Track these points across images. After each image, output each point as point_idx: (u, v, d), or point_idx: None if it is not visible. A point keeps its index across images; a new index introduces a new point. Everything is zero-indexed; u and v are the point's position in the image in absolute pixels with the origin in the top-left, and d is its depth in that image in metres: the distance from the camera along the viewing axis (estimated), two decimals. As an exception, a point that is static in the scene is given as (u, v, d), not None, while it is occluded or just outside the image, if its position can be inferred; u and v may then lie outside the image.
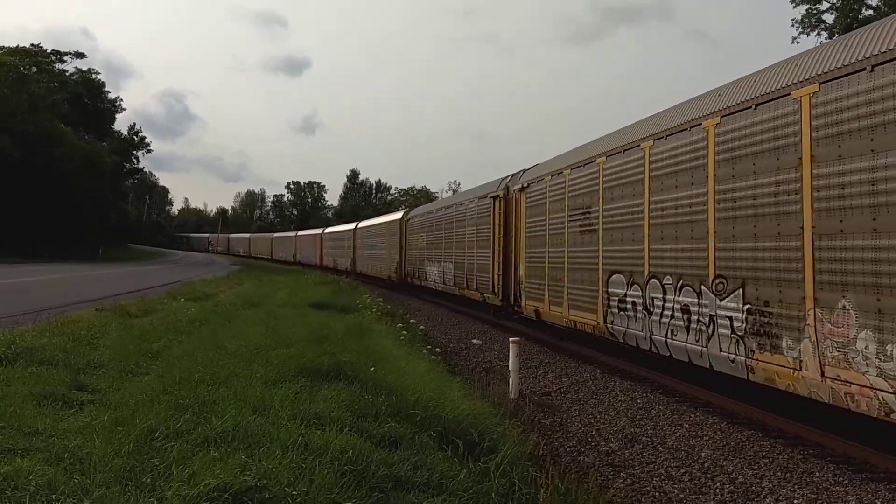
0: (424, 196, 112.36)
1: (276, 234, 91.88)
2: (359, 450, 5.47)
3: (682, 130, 10.93)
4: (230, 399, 6.67)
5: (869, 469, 7.58)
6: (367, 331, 13.92)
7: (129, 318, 13.94)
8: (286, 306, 17.86)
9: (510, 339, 11.74)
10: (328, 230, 64.50)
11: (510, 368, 11.25)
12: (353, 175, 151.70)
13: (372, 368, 8.82)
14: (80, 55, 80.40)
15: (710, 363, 10.05)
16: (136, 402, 6.60)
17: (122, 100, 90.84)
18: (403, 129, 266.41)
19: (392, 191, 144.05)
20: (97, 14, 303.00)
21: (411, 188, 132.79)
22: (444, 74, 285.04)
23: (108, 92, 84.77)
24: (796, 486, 7.16)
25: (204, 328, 12.75)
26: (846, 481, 7.27)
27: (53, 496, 4.23)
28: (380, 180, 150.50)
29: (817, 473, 7.53)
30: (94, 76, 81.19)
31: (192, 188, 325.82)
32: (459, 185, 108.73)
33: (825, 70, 8.06)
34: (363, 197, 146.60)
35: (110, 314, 14.22)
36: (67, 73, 76.44)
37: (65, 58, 76.96)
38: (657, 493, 7.05)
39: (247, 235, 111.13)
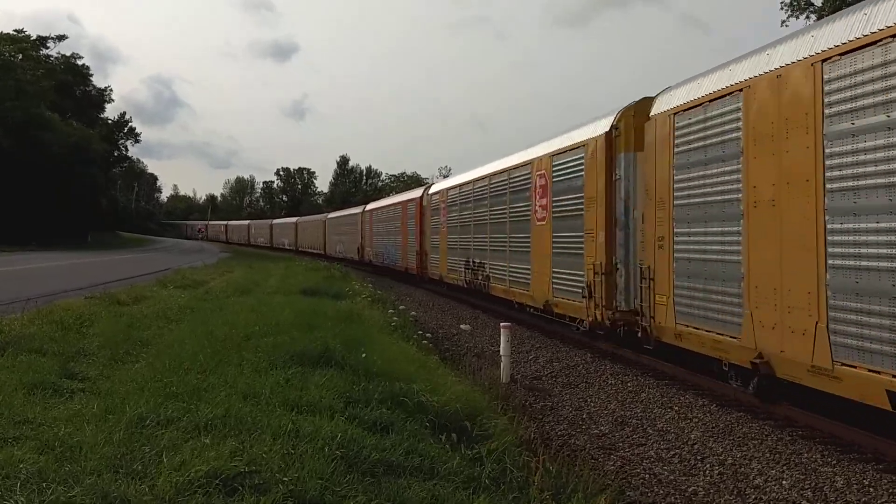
0: (415, 181, 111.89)
1: (330, 215, 59.98)
2: (350, 435, 5.50)
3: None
4: (220, 386, 6.67)
5: (856, 450, 7.65)
6: (359, 317, 13.92)
7: (118, 306, 13.88)
8: (277, 293, 17.83)
9: (501, 324, 11.77)
10: (436, 189, 29.29)
11: (501, 353, 11.28)
12: (343, 161, 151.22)
13: (363, 354, 8.82)
14: (61, 38, 79.60)
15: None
16: (127, 390, 6.59)
17: (111, 90, 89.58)
18: (394, 115, 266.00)
19: (383, 177, 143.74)
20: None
21: (402, 174, 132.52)
22: (434, 59, 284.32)
23: (92, 75, 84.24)
24: (785, 468, 7.22)
25: (194, 316, 12.71)
26: (834, 462, 7.34)
27: (44, 484, 4.22)
28: (370, 166, 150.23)
29: (805, 454, 7.59)
30: (76, 61, 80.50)
31: (181, 175, 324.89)
32: (450, 170, 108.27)
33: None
34: (353, 183, 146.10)
35: (100, 302, 14.15)
36: (52, 59, 75.79)
37: (48, 42, 76.34)
38: (647, 475, 7.11)
39: (293, 220, 78.50)
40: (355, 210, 49.73)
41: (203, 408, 5.84)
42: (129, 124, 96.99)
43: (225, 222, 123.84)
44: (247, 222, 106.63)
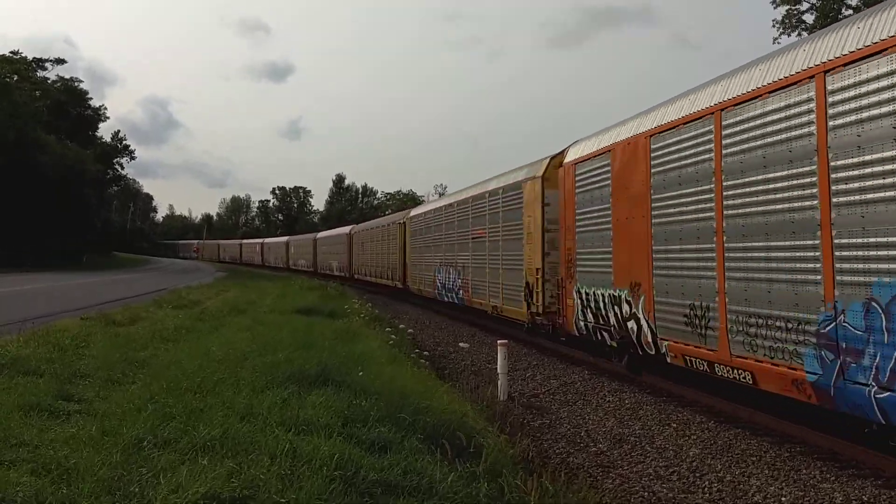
0: (411, 200, 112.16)
1: (416, 211, 33.40)
2: (348, 455, 5.46)
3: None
4: (218, 407, 6.65)
5: (855, 466, 7.64)
6: (355, 335, 13.90)
7: (114, 327, 13.84)
8: (273, 312, 17.80)
9: (498, 341, 11.76)
10: None
11: (499, 371, 11.26)
12: (339, 180, 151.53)
13: (360, 373, 8.81)
14: (60, 61, 79.90)
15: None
16: (123, 412, 6.57)
17: (106, 108, 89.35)
18: (389, 134, 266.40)
19: (378, 195, 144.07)
20: (79, 22, 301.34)
21: (398, 192, 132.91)
22: (430, 77, 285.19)
23: (91, 98, 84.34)
24: (784, 484, 7.21)
25: (190, 336, 12.69)
26: (833, 478, 7.33)
27: (41, 507, 4.21)
28: (366, 184, 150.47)
29: (804, 471, 7.58)
30: (76, 84, 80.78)
31: (176, 195, 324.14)
32: (446, 188, 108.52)
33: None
34: (349, 201, 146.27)
35: (96, 323, 14.12)
36: (49, 81, 75.98)
37: (45, 65, 76.61)
38: (646, 493, 7.08)
39: (343, 231, 52.91)
40: (495, 184, 20.31)
41: (200, 429, 5.81)
42: (124, 141, 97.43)
43: (260, 240, 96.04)
44: (285, 239, 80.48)
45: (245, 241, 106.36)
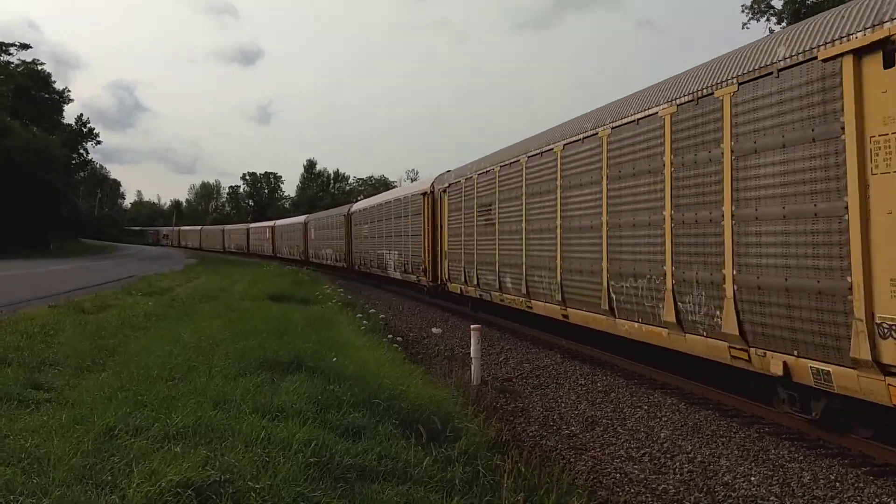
0: (383, 185, 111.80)
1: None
2: (322, 441, 5.46)
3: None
4: (190, 394, 6.61)
5: (822, 446, 7.79)
6: (328, 321, 13.86)
7: (83, 315, 13.68)
8: (245, 299, 17.70)
9: (471, 326, 11.78)
10: None
11: (472, 355, 11.29)
12: (311, 165, 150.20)
13: (334, 359, 8.79)
14: (25, 46, 78.42)
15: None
16: (94, 400, 6.51)
17: (70, 91, 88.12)
18: (360, 118, 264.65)
19: (350, 180, 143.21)
20: (43, 5, 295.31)
21: (370, 177, 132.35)
22: (399, 62, 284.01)
23: (55, 82, 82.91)
24: (753, 464, 7.33)
25: (161, 323, 12.58)
26: (801, 458, 7.47)
27: (12, 497, 4.16)
28: (338, 170, 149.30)
29: (773, 451, 7.72)
30: (39, 67, 79.31)
31: (144, 181, 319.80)
32: (417, 173, 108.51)
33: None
34: (321, 187, 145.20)
35: (64, 311, 13.95)
36: (13, 66, 74.51)
37: (10, 49, 75.13)
38: (618, 475, 7.17)
39: (415, 190, 25.37)
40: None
41: (173, 416, 5.77)
42: (88, 125, 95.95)
43: (271, 223, 69.36)
44: (301, 219, 56.08)
45: (253, 224, 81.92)
